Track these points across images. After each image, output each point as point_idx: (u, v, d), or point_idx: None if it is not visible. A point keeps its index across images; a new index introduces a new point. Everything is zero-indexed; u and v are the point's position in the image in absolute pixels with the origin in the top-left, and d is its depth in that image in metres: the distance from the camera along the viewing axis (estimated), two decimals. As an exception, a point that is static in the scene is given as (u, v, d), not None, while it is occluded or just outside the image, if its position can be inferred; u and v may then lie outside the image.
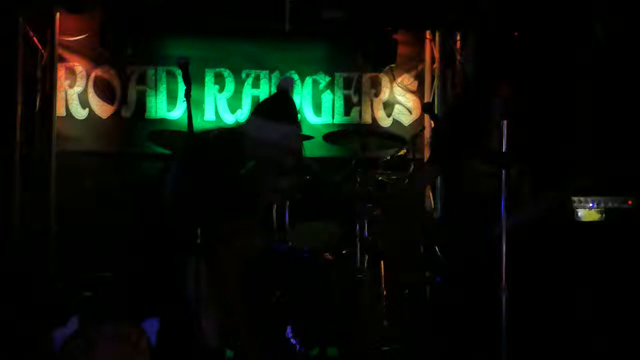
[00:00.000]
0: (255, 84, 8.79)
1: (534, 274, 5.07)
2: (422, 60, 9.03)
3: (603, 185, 6.15)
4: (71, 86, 8.52)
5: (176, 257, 5.09)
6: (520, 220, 4.98)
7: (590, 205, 6.36)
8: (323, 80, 8.87)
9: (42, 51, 8.25)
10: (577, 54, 7.90)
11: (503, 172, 4.72)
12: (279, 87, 5.64)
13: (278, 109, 5.40)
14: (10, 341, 6.05)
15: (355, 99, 8.93)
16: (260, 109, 5.49)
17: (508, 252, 4.66)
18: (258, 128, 5.23)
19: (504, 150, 4.79)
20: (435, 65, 8.84)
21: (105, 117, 8.58)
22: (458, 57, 8.72)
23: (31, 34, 8.04)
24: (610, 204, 6.33)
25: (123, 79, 8.60)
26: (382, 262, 6.85)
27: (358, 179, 6.95)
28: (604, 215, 6.35)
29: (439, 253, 5.44)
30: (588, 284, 5.86)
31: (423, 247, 6.99)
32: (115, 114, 8.60)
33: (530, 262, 5.03)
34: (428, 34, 8.94)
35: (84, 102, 8.53)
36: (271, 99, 5.71)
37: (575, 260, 5.85)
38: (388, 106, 8.95)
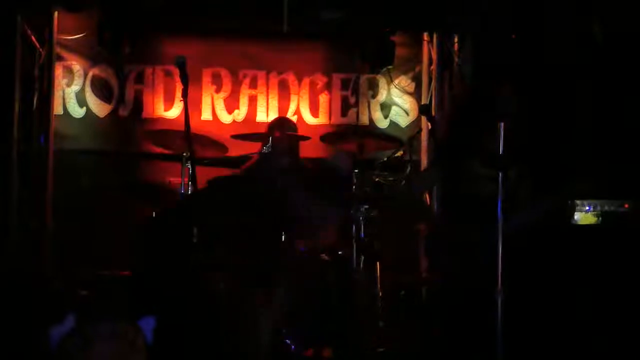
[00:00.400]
0: (253, 84, 8.80)
1: (530, 276, 5.07)
2: (420, 62, 9.03)
3: (601, 188, 6.16)
4: (69, 85, 8.52)
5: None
6: (520, 224, 4.99)
7: (587, 208, 6.36)
8: (320, 81, 8.88)
9: (40, 50, 8.25)
10: (577, 54, 7.91)
11: (500, 174, 4.73)
12: (330, 160, 5.62)
13: (325, 188, 5.40)
14: (7, 339, 6.05)
15: (352, 100, 8.94)
16: (308, 182, 5.47)
17: (504, 254, 4.67)
18: (303, 204, 5.26)
19: (501, 152, 4.80)
20: (432, 67, 8.84)
21: (103, 116, 8.58)
22: (456, 59, 8.73)
23: (29, 32, 8.04)
24: (606, 207, 6.33)
25: (120, 78, 8.60)
26: (378, 263, 6.85)
27: (355, 180, 6.96)
28: (600, 218, 6.35)
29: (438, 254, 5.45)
30: (584, 286, 5.86)
31: (422, 247, 6.99)
32: (113, 113, 8.60)
33: (526, 265, 5.04)
34: (426, 36, 8.95)
35: (81, 101, 8.53)
36: (322, 175, 5.69)
37: (571, 263, 5.86)
38: (385, 107, 8.95)
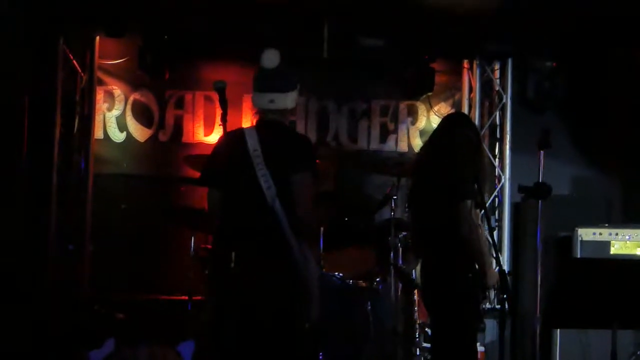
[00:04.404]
0: (292, 110, 8.79)
1: (567, 307, 5.00)
2: (459, 89, 9.00)
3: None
4: (109, 109, 8.58)
5: None
6: None
7: (627, 237, 6.29)
8: (360, 107, 8.87)
9: (82, 74, 8.31)
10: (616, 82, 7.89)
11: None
12: None
13: None
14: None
15: (391, 127, 8.92)
16: None
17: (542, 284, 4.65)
18: None
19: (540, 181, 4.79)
20: (472, 95, 8.82)
21: (143, 141, 8.63)
22: (496, 87, 8.72)
23: (71, 57, 8.10)
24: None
25: (161, 102, 8.65)
26: (416, 290, 6.81)
27: (393, 207, 6.95)
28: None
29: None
30: (623, 320, 5.69)
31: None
32: (153, 138, 8.65)
33: (562, 295, 4.97)
34: (466, 63, 8.93)
35: (121, 125, 8.59)
36: None
37: (610, 295, 5.74)
38: (425, 134, 8.90)
